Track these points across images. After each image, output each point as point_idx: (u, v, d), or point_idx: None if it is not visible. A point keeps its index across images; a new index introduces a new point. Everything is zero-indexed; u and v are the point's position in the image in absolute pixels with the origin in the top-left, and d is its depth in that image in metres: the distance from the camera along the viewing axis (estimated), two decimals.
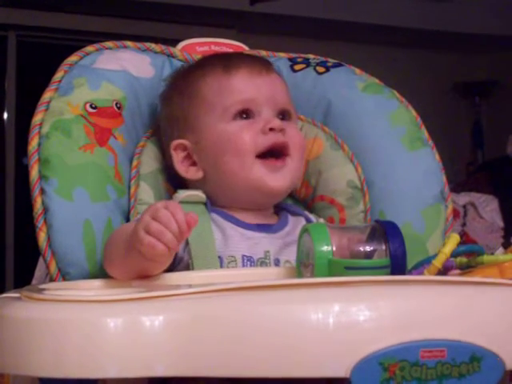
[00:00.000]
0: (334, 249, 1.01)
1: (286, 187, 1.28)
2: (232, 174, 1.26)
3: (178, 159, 1.30)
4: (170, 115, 1.33)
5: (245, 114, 1.27)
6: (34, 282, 1.45)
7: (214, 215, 1.26)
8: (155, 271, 1.09)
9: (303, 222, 1.32)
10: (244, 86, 1.28)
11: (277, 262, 1.23)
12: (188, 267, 1.19)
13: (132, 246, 1.04)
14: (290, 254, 1.22)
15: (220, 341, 0.75)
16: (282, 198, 1.33)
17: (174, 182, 1.34)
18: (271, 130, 1.25)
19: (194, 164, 1.30)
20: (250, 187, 1.26)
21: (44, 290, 0.87)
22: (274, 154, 1.26)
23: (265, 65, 1.33)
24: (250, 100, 1.27)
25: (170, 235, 1.01)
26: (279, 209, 1.34)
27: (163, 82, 1.38)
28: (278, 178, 1.26)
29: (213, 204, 1.28)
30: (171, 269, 1.17)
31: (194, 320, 0.76)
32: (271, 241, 1.25)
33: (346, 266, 0.99)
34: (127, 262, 1.08)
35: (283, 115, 1.30)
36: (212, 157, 1.27)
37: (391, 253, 1.00)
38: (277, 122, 1.26)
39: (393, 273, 0.99)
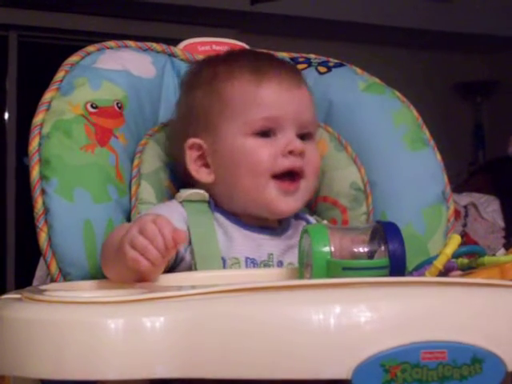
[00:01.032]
0: (333, 249, 1.01)
1: (296, 210, 1.27)
2: (243, 188, 1.24)
3: (191, 158, 1.27)
4: (189, 108, 1.30)
5: (267, 131, 1.24)
6: (34, 281, 1.45)
7: (217, 214, 1.25)
8: (145, 279, 1.07)
9: (304, 225, 1.31)
10: (271, 101, 1.24)
11: (280, 265, 1.23)
12: (190, 267, 1.18)
13: (119, 257, 1.04)
14: (294, 257, 1.21)
15: (221, 342, 0.75)
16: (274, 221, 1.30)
17: (176, 180, 1.34)
18: (290, 152, 1.23)
19: (206, 166, 1.27)
20: (259, 206, 1.24)
21: (45, 291, 0.87)
22: (289, 174, 1.24)
23: (295, 77, 1.29)
24: (275, 118, 1.24)
25: (154, 251, 1.00)
26: None
27: (191, 65, 1.37)
28: (290, 202, 1.24)
29: (216, 205, 1.27)
30: (172, 267, 1.17)
31: (195, 321, 0.76)
32: (274, 243, 1.25)
33: (343, 267, 0.99)
34: (118, 268, 1.08)
35: (305, 135, 1.27)
36: (226, 166, 1.25)
37: (390, 253, 1.00)
38: (297, 145, 1.23)
39: (392, 273, 0.99)
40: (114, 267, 1.09)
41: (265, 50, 1.46)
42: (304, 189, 1.26)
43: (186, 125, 1.30)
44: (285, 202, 1.24)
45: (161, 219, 1.01)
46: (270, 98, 1.25)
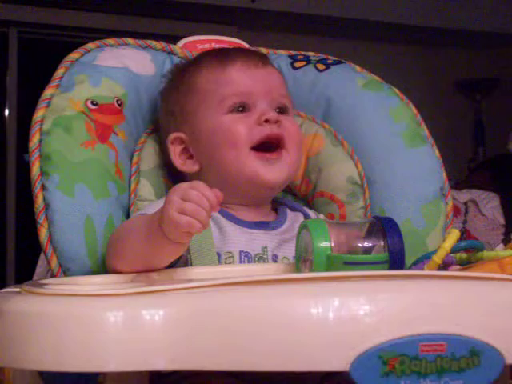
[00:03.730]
0: (333, 244, 1.01)
1: (281, 180, 1.27)
2: (226, 166, 1.25)
3: (175, 152, 1.30)
4: (167, 109, 1.34)
5: (240, 106, 1.27)
6: (35, 278, 1.45)
7: None
8: (174, 257, 1.09)
9: (301, 217, 1.31)
10: (240, 78, 1.28)
11: (274, 258, 1.23)
12: (187, 263, 1.19)
13: (156, 231, 1.04)
14: (288, 251, 1.22)
15: (220, 335, 0.75)
16: (277, 191, 1.32)
17: (174, 178, 1.34)
18: (266, 121, 1.25)
19: (190, 157, 1.30)
20: (244, 180, 1.25)
21: (45, 284, 0.87)
22: (268, 146, 1.26)
23: (261, 58, 1.33)
24: (246, 92, 1.27)
25: (204, 213, 1.00)
26: (277, 203, 1.34)
27: (163, 79, 1.38)
28: (273, 171, 1.25)
29: None
30: (172, 265, 1.17)
31: (194, 314, 0.76)
32: (269, 236, 1.25)
33: (344, 262, 0.99)
34: (145, 250, 1.07)
35: (280, 109, 1.29)
36: (207, 149, 1.27)
37: (389, 248, 1.00)
38: (272, 114, 1.26)
39: (391, 268, 0.99)
40: (139, 251, 1.08)
41: (263, 47, 1.48)
42: (286, 159, 1.27)
43: (166, 125, 1.33)
44: (269, 171, 1.25)
45: (198, 184, 1.03)
46: (237, 75, 1.28)
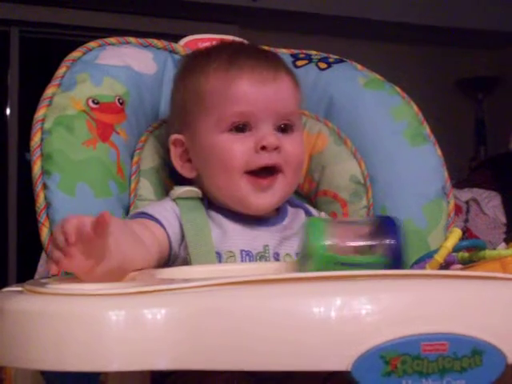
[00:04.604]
0: (330, 243, 1.00)
1: (272, 205, 1.25)
2: (218, 186, 1.24)
3: (175, 154, 1.28)
4: (174, 104, 1.32)
5: (241, 126, 1.22)
6: (36, 277, 1.45)
7: (212, 212, 1.25)
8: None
9: (302, 214, 1.31)
10: (243, 95, 1.21)
11: (276, 256, 1.23)
12: (185, 263, 1.18)
13: None
14: (290, 248, 1.22)
15: (222, 334, 0.75)
16: (268, 212, 1.28)
17: (175, 177, 1.33)
18: (264, 148, 1.21)
19: (189, 161, 1.28)
20: (235, 202, 1.23)
21: (46, 283, 0.87)
22: (265, 169, 1.22)
23: (272, 67, 1.25)
24: (248, 113, 1.21)
25: (56, 253, 0.90)
26: None
27: (178, 63, 1.37)
28: (264, 198, 1.22)
29: (210, 201, 1.27)
30: (167, 265, 1.17)
31: (196, 313, 0.76)
32: (270, 234, 1.25)
33: (338, 262, 0.98)
34: None
35: (284, 127, 1.25)
36: (203, 162, 1.25)
37: (387, 248, 1.00)
38: (270, 140, 1.20)
39: (389, 268, 0.99)
40: None
41: (264, 46, 1.47)
42: (282, 183, 1.23)
43: (172, 121, 1.31)
44: (259, 197, 1.22)
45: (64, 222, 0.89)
46: (241, 92, 1.22)
